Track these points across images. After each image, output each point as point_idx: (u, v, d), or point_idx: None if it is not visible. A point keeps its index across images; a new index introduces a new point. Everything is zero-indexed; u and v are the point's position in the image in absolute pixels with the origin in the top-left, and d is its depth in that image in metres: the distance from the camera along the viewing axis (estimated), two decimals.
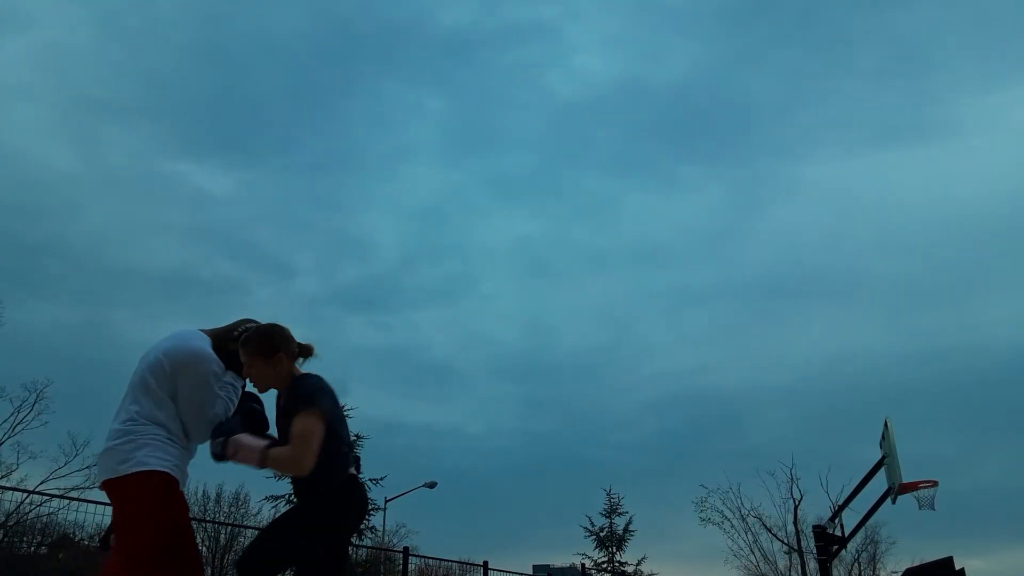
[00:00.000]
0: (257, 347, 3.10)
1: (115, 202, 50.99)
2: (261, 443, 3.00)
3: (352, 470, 3.21)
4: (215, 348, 3.17)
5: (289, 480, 3.31)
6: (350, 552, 3.17)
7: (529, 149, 61.78)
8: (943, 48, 52.94)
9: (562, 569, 30.85)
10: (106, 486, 2.97)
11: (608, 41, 59.81)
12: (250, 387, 3.29)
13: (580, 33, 60.13)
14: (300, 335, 3.25)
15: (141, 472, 2.89)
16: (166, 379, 3.03)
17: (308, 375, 3.19)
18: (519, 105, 61.10)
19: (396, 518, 34.40)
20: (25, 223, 41.81)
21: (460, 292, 58.13)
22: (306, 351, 3.24)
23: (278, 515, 3.59)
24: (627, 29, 58.90)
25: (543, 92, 59.94)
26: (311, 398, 3.04)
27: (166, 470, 2.94)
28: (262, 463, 2.95)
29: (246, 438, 3.01)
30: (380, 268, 57.33)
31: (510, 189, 62.50)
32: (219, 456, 3.04)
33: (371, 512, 24.25)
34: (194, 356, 3.08)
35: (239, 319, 3.35)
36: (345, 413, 3.36)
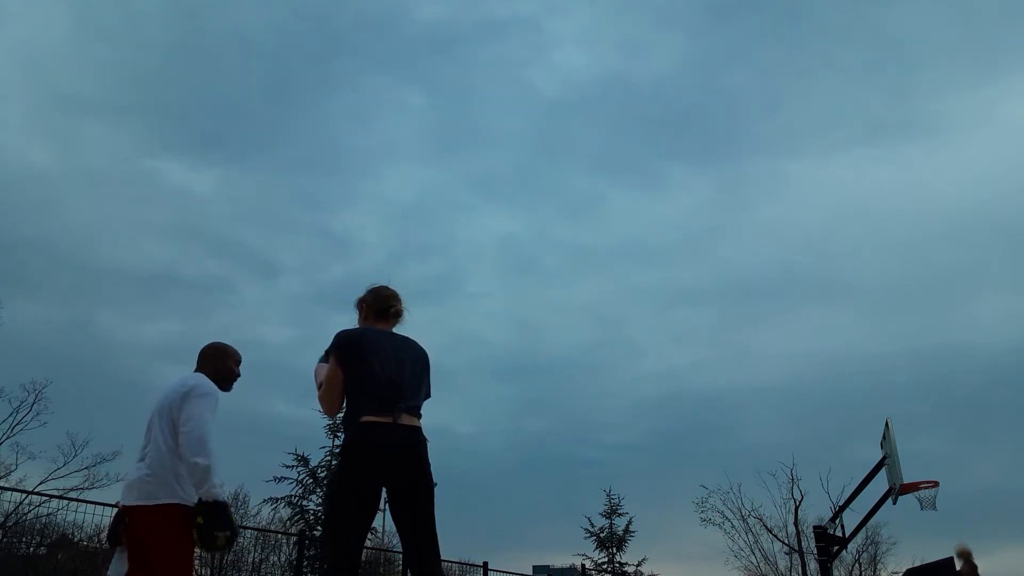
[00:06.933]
0: (360, 298, 3.52)
1: (96, 200, 50.75)
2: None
3: (370, 416, 3.03)
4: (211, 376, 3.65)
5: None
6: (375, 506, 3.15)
7: (512, 146, 61.61)
8: (927, 44, 52.96)
9: (562, 570, 30.82)
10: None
11: (588, 36, 59.56)
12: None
13: (560, 28, 59.88)
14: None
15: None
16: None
17: (349, 328, 3.33)
18: (501, 102, 61.01)
19: None
20: (5, 221, 41.64)
21: (446, 291, 57.91)
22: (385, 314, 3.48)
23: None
24: (607, 24, 58.69)
25: (525, 88, 59.85)
26: (327, 348, 3.32)
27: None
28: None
29: (324, 368, 3.32)
30: (365, 267, 57.21)
31: (494, 187, 62.35)
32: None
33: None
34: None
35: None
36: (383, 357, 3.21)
